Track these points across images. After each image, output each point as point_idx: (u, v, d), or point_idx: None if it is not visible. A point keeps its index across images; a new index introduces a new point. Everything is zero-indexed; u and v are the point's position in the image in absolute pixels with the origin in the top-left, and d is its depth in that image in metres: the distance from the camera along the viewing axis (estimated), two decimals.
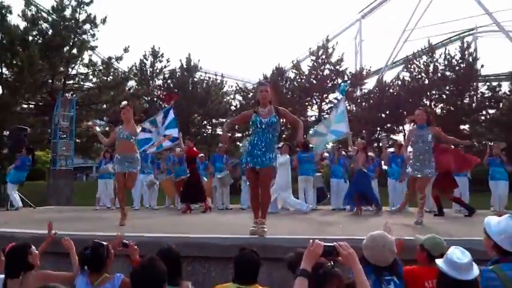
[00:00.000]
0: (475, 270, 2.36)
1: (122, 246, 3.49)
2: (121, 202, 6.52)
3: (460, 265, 2.32)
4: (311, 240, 2.35)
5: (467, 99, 26.13)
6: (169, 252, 3.06)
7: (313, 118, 28.55)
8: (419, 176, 6.28)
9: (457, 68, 26.05)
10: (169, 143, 9.45)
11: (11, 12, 21.50)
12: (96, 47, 23.20)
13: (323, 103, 28.48)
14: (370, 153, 9.78)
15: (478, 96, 26.28)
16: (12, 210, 9.55)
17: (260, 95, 5.12)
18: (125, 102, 6.93)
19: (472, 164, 8.25)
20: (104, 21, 22.28)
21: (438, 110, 26.08)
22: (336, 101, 27.61)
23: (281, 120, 5.18)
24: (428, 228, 5.59)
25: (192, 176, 9.20)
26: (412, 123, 6.71)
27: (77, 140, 18.19)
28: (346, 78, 28.25)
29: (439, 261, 2.44)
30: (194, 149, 9.88)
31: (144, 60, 28.98)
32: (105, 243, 3.20)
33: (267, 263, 3.80)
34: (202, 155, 11.35)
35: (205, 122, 28.87)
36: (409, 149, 7.09)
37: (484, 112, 26.28)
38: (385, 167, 10.64)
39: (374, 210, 8.55)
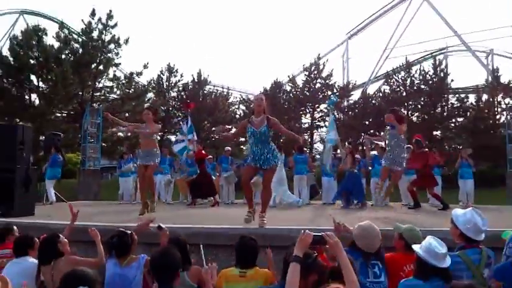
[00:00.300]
0: (449, 259, 2.38)
1: (158, 229, 3.41)
2: (142, 192, 6.54)
3: (439, 254, 2.33)
4: (302, 231, 2.36)
5: (439, 109, 26.14)
6: (177, 241, 3.02)
7: (306, 125, 28.64)
8: (395, 168, 6.30)
9: (430, 82, 26.08)
10: (192, 146, 9.60)
11: (46, 34, 21.72)
12: (120, 64, 23.40)
13: (315, 112, 28.54)
14: (356, 156, 9.80)
15: (449, 106, 26.30)
16: (47, 204, 9.57)
17: (255, 104, 4.98)
18: (146, 105, 7.07)
19: (432, 161, 8.23)
20: (126, 41, 22.42)
21: (414, 118, 26.10)
22: (326, 111, 27.77)
23: (272, 129, 4.94)
24: (405, 219, 5.57)
25: (203, 174, 9.19)
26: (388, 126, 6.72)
27: (103, 144, 18.17)
28: (335, 91, 28.32)
29: (417, 248, 2.43)
30: (203, 151, 9.90)
31: (161, 75, 29.01)
32: (129, 231, 3.15)
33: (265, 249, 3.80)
34: (210, 156, 11.36)
35: (213, 128, 28.88)
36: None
37: (453, 120, 26.29)
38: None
39: (359, 205, 8.52)
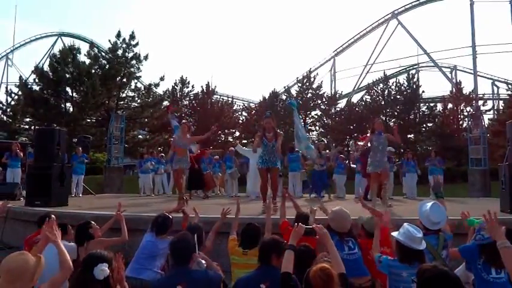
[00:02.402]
0: (424, 243, 2.40)
1: (183, 213, 3.67)
2: (179, 189, 6.64)
3: (417, 238, 2.35)
4: (295, 223, 2.37)
5: (412, 115, 26.19)
6: (195, 228, 3.09)
7: None
8: (382, 171, 5.98)
9: (404, 92, 26.14)
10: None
11: (80, 53, 21.86)
12: (140, 76, 23.38)
13: (307, 118, 28.56)
14: (341, 155, 9.78)
15: (420, 113, 26.36)
16: (78, 197, 9.55)
17: (265, 125, 5.53)
18: (184, 121, 7.27)
19: None
20: (146, 58, 22.42)
21: (391, 124, 26.09)
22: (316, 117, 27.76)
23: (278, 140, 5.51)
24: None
25: (197, 170, 8.70)
26: (372, 132, 6.24)
27: (126, 145, 18.18)
28: (324, 100, 28.40)
29: (397, 235, 2.42)
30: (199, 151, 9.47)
31: (175, 86, 29.02)
32: (171, 216, 3.40)
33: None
34: (217, 156, 11.28)
35: (219, 132, 28.87)
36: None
37: (424, 125, 26.33)
38: (353, 165, 10.57)
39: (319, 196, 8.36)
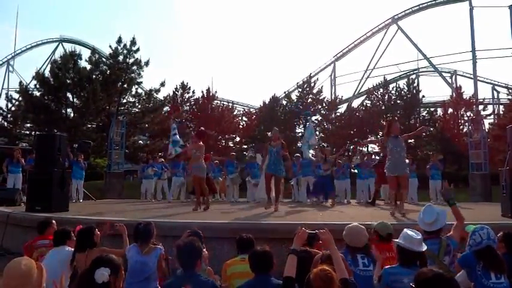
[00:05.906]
0: (424, 245, 2.40)
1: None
2: (197, 195, 6.91)
3: (415, 240, 2.36)
4: (299, 227, 2.38)
5: (413, 120, 26.21)
6: (195, 234, 3.08)
7: (299, 134, 28.63)
8: (400, 174, 5.68)
9: (405, 97, 26.20)
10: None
11: (81, 58, 22.02)
12: (141, 82, 23.45)
13: (307, 123, 28.56)
14: (338, 161, 9.76)
15: (420, 118, 26.39)
16: (79, 202, 9.54)
17: (273, 136, 6.72)
18: (202, 128, 7.68)
19: None
20: (146, 63, 22.53)
21: None
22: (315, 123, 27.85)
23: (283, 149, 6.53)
24: (383, 216, 5.54)
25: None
26: (387, 134, 5.96)
27: (126, 151, 18.18)
28: (324, 105, 28.47)
29: (397, 240, 2.45)
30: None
31: (176, 92, 29.09)
32: (152, 222, 3.26)
33: (264, 241, 3.80)
34: (217, 161, 11.26)
35: (220, 136, 28.88)
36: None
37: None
38: (354, 171, 10.46)
39: (325, 201, 8.32)
